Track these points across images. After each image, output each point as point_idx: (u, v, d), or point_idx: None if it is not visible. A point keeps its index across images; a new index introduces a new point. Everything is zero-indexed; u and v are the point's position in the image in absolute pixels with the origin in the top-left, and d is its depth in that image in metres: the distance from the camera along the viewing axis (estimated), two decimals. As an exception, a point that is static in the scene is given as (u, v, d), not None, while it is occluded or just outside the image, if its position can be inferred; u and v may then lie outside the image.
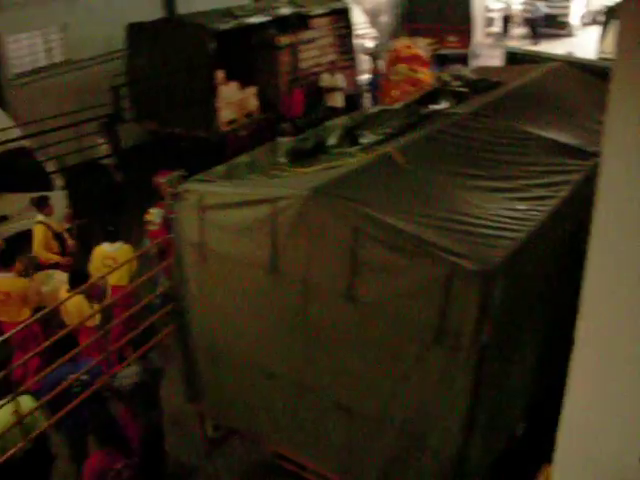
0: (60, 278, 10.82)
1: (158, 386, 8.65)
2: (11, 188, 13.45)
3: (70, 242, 12.19)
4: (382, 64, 22.69)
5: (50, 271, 11.43)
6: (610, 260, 3.77)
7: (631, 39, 3.45)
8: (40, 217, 11.98)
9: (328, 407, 7.07)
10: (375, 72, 22.20)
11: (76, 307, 9.54)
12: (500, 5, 37.85)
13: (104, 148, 16.39)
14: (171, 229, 8.27)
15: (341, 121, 9.24)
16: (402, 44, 22.29)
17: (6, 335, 8.78)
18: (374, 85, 21.96)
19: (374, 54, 24.20)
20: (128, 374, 8.34)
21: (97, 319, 9.64)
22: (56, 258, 11.78)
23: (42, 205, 12.07)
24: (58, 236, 12.13)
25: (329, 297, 6.59)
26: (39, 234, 11.85)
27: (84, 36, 19.49)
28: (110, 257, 10.82)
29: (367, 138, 8.53)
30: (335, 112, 19.09)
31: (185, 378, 8.57)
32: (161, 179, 12.79)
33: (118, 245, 10.99)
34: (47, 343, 8.40)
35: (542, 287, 6.99)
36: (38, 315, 9.02)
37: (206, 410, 8.68)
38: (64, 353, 8.24)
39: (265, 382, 7.53)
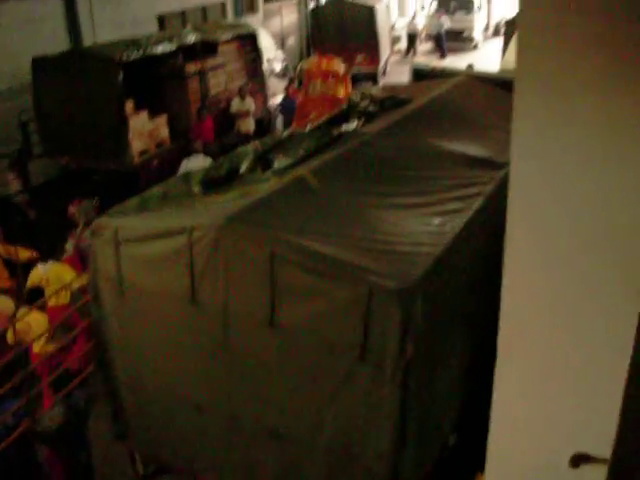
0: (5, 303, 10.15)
1: (85, 426, 8.48)
2: None
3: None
4: (292, 87, 22.73)
5: None
6: (525, 267, 3.83)
7: (529, 50, 3.53)
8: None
9: (258, 435, 7.01)
10: (287, 95, 22.21)
11: (38, 324, 9.30)
12: (404, 22, 38.52)
13: (15, 185, 16.10)
14: (83, 257, 8.12)
15: (253, 146, 9.23)
16: (314, 61, 22.36)
17: None
18: (286, 108, 21.96)
19: (284, 76, 24.30)
20: (52, 415, 8.17)
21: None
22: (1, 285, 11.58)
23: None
24: (6, 262, 12.00)
25: (250, 324, 6.55)
26: None
27: (-11, 71, 19.19)
28: (44, 278, 10.42)
29: (280, 162, 8.53)
30: (247, 137, 19.13)
31: (111, 415, 8.42)
32: (73, 208, 12.59)
33: (49, 264, 10.59)
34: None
35: (464, 299, 7.06)
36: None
37: (135, 447, 8.54)
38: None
39: (192, 414, 7.44)
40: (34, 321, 9.30)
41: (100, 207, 12.37)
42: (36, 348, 9.61)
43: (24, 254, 11.90)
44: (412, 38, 38.00)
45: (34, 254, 11.79)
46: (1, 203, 16.05)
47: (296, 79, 24.10)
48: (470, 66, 21.32)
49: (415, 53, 37.90)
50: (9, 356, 8.44)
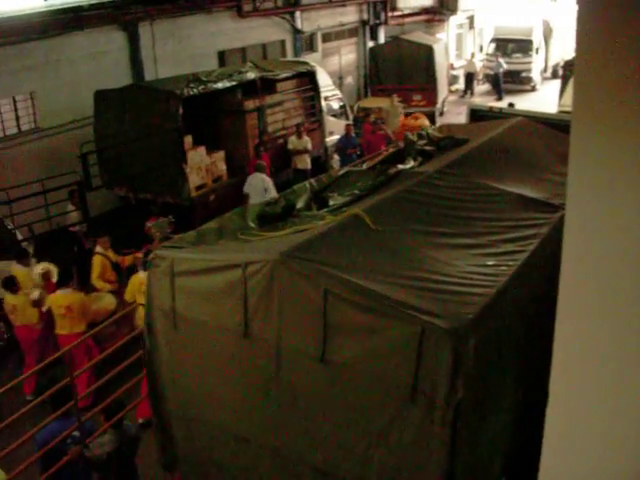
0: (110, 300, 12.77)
1: (134, 455, 8.55)
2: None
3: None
4: (350, 126, 22.78)
5: (101, 293, 13.05)
6: (579, 311, 3.80)
7: (586, 92, 3.53)
8: (98, 249, 13.70)
9: (304, 472, 7.00)
10: (346, 133, 22.25)
11: None
12: (462, 62, 38.55)
13: (73, 215, 16.36)
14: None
15: (309, 184, 9.31)
16: (401, 120, 22.74)
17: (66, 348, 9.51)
18: (344, 147, 22.01)
19: (341, 115, 24.43)
20: (102, 443, 8.24)
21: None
22: (108, 287, 13.26)
23: (100, 237, 13.89)
24: (115, 265, 13.64)
25: (301, 360, 6.57)
26: (97, 265, 13.43)
27: (52, 103, 19.64)
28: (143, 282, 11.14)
29: (335, 200, 8.59)
30: (303, 174, 19.20)
31: (160, 445, 8.49)
32: (150, 223, 13.95)
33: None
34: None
35: (516, 341, 7.01)
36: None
37: (182, 477, 8.57)
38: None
39: (240, 448, 7.47)
40: None
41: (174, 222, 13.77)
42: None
43: (129, 260, 13.57)
44: (470, 78, 38.04)
45: (115, 287, 13.23)
46: (60, 233, 16.32)
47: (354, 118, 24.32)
48: (511, 105, 21.26)
49: (473, 94, 37.89)
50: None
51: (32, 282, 12.82)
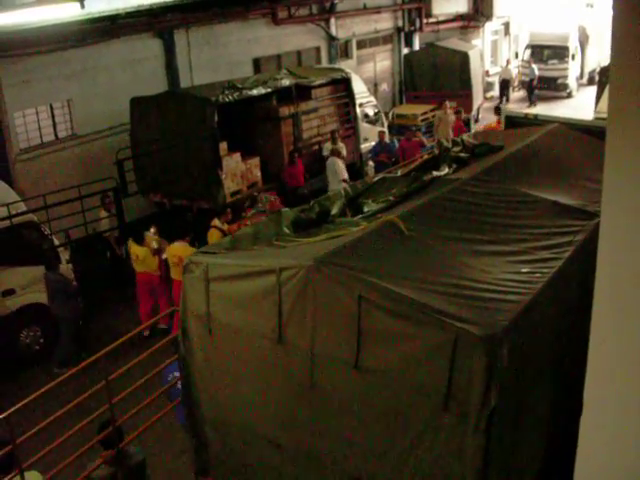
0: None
1: (143, 478, 8.47)
2: (18, 262, 13.54)
3: None
4: (384, 133, 22.75)
5: None
6: (613, 318, 3.77)
7: (622, 98, 3.51)
8: (216, 222, 15.52)
9: (337, 478, 7.01)
10: (380, 140, 22.22)
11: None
12: (497, 69, 38.41)
13: (105, 222, 16.46)
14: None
15: (344, 190, 9.33)
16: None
17: None
18: (379, 153, 22.01)
19: (376, 122, 24.40)
20: (101, 475, 8.13)
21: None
22: None
23: (222, 213, 15.90)
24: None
25: (335, 366, 6.58)
26: (212, 237, 15.07)
27: (89, 110, 19.87)
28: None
29: (370, 206, 8.60)
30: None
31: (194, 450, 8.54)
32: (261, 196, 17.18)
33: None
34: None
35: (551, 349, 6.98)
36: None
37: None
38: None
39: (273, 453, 7.49)
40: None
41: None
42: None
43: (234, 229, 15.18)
44: (505, 85, 37.90)
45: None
46: (95, 239, 16.46)
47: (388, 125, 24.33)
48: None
49: (508, 100, 37.73)
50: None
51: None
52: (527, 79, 37.58)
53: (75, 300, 14.01)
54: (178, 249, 14.15)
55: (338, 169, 19.59)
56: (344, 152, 20.59)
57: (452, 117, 25.76)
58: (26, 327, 13.81)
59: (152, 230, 15.50)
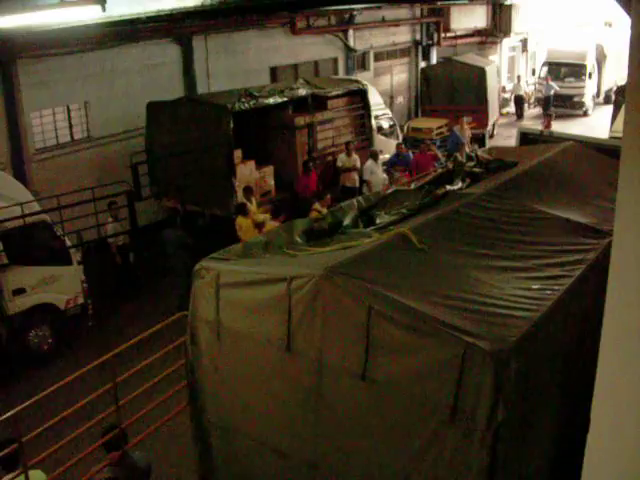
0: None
1: None
2: (30, 261, 13.58)
3: None
4: (402, 145, 22.69)
5: None
6: (624, 336, 3.77)
7: (637, 117, 3.51)
8: (317, 205, 15.98)
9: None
10: (398, 152, 22.15)
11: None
12: (511, 86, 38.40)
13: (110, 227, 16.38)
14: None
15: (357, 202, 9.34)
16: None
17: None
18: (395, 166, 21.98)
19: (392, 135, 24.39)
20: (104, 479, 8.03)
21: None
22: None
23: (321, 197, 16.41)
24: None
25: (343, 376, 6.59)
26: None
27: (105, 113, 19.98)
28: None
29: (382, 218, 8.62)
30: (351, 192, 19.22)
31: (198, 456, 8.53)
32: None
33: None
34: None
35: (559, 365, 6.97)
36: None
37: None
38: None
39: (278, 461, 7.49)
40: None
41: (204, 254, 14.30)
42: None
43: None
44: (518, 102, 37.90)
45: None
46: (104, 242, 16.49)
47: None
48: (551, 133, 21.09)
49: (522, 117, 37.69)
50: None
51: None
52: (543, 96, 37.53)
53: (192, 254, 14.33)
54: (272, 228, 14.28)
55: (372, 169, 20.71)
56: (358, 164, 20.59)
57: (469, 132, 25.79)
58: (36, 326, 13.84)
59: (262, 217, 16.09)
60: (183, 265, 14.59)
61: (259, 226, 15.26)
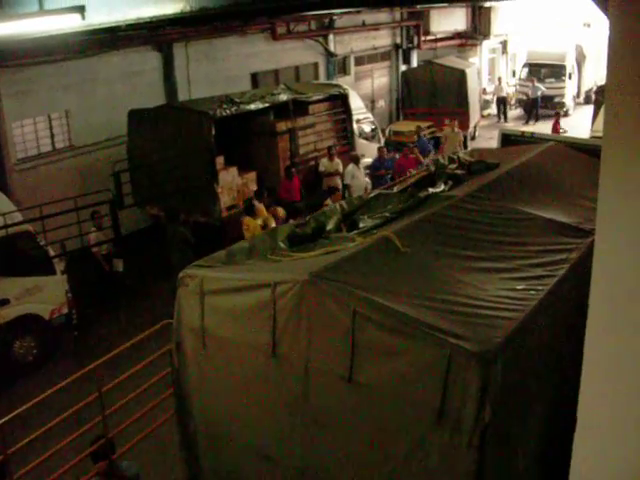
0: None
1: None
2: (13, 272, 13.52)
3: None
4: (383, 149, 22.71)
5: None
6: (607, 336, 3.79)
7: (617, 117, 3.54)
8: (328, 201, 16.10)
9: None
10: (379, 156, 22.15)
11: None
12: (493, 87, 38.52)
13: (93, 236, 16.29)
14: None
15: (340, 206, 9.34)
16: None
17: None
18: (376, 169, 22.00)
19: (373, 139, 24.43)
20: None
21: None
22: None
23: (333, 193, 17.18)
24: None
25: (329, 380, 6.58)
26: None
27: (87, 122, 19.96)
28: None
29: (365, 222, 8.62)
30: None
31: (186, 463, 8.50)
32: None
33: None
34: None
35: (545, 365, 6.98)
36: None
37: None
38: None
39: (265, 467, 7.47)
40: None
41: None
42: None
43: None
44: (501, 103, 38.04)
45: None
46: (87, 251, 16.42)
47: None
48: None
49: (506, 118, 37.82)
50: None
51: None
52: (525, 97, 37.69)
53: (192, 250, 15.42)
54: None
55: (354, 173, 20.72)
56: (340, 168, 20.62)
57: (460, 136, 25.94)
58: (20, 337, 13.77)
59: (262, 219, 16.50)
60: (187, 261, 14.49)
61: (263, 228, 15.52)
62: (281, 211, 16.84)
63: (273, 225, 15.31)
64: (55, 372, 13.23)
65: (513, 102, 40.53)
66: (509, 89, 40.40)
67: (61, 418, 8.49)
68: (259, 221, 16.18)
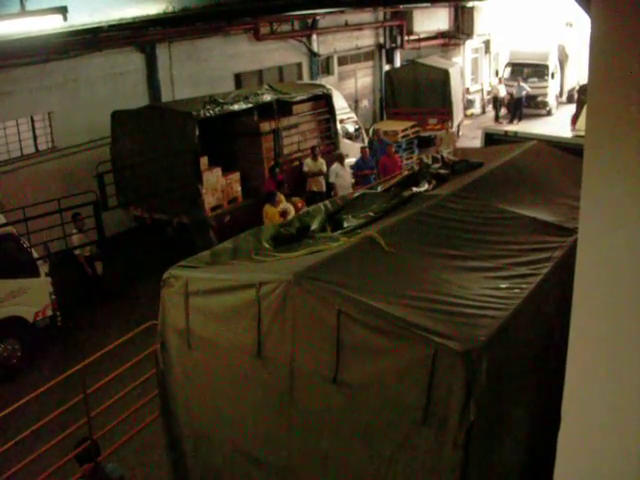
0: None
1: None
2: (-4, 274, 13.46)
3: None
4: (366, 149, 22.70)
5: None
6: (592, 333, 3.80)
7: (600, 116, 3.55)
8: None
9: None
10: (362, 156, 22.12)
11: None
12: (478, 87, 38.57)
13: (75, 238, 16.22)
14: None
15: (324, 206, 9.35)
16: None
17: None
18: (360, 169, 21.98)
19: (357, 138, 24.46)
20: None
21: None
22: None
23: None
24: None
25: (314, 381, 6.58)
26: None
27: (70, 123, 19.85)
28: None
29: (350, 222, 8.63)
30: (318, 196, 19.25)
31: (171, 465, 8.48)
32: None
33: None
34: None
35: (530, 364, 7.00)
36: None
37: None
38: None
39: (251, 468, 7.46)
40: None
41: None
42: None
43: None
44: (497, 102, 38.14)
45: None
46: (70, 253, 16.36)
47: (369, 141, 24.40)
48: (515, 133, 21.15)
49: (499, 118, 37.90)
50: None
51: None
52: (508, 97, 37.76)
53: (210, 232, 16.46)
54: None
55: (338, 172, 20.80)
56: (324, 168, 20.62)
57: (455, 137, 26.07)
58: (4, 340, 13.70)
59: (281, 206, 17.18)
60: (210, 243, 14.66)
61: (282, 214, 16.45)
62: (300, 201, 17.47)
63: (292, 214, 15.63)
64: (39, 375, 13.17)
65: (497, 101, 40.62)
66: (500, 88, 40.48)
67: (45, 421, 8.45)
68: (279, 208, 16.88)
